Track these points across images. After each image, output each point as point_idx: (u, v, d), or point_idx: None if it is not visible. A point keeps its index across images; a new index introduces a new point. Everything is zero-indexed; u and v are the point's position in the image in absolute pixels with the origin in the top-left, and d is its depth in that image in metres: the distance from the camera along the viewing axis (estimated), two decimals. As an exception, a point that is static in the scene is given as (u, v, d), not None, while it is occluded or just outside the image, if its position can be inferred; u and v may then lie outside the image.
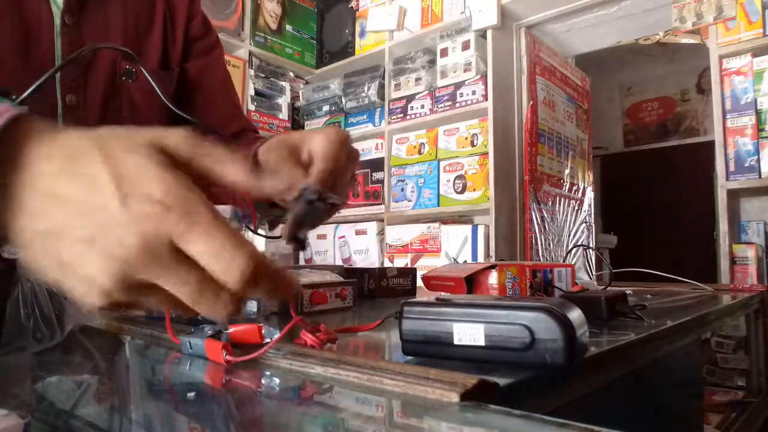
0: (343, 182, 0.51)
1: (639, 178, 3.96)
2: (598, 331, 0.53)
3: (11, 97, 0.44)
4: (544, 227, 2.14)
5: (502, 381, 0.31)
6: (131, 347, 0.51)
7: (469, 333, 0.35)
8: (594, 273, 2.22)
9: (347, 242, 2.49)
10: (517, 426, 0.25)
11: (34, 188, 0.27)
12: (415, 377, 0.30)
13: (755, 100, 1.75)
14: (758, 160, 1.72)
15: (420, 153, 2.31)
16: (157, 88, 0.53)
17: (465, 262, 1.63)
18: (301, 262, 2.57)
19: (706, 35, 1.87)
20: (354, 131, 2.55)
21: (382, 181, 2.41)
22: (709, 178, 2.40)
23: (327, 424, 0.28)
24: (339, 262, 2.48)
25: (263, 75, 2.58)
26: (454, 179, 2.16)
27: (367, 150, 2.49)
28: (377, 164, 2.44)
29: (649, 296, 0.94)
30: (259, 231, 0.51)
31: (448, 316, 0.36)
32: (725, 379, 1.53)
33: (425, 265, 2.10)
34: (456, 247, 2.11)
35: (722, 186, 1.78)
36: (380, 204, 2.41)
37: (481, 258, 2.03)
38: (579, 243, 2.35)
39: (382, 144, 2.44)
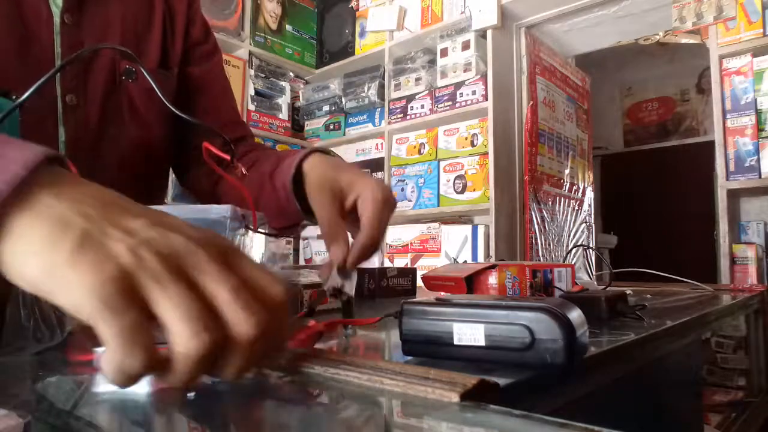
0: (382, 236, 0.53)
1: (639, 178, 3.95)
2: (598, 331, 0.53)
3: (11, 98, 0.44)
4: (544, 227, 2.14)
5: (502, 381, 0.31)
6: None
7: (469, 333, 0.35)
8: (594, 273, 2.22)
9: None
10: (517, 426, 0.25)
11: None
12: (415, 377, 0.30)
13: (755, 100, 1.75)
14: (758, 160, 1.72)
15: (420, 153, 2.30)
16: (156, 88, 0.53)
17: (465, 262, 1.63)
18: (301, 262, 2.57)
19: (706, 35, 1.87)
20: (354, 131, 2.55)
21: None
22: (709, 178, 2.40)
23: (326, 425, 0.28)
24: (339, 262, 2.46)
25: (263, 75, 2.58)
26: (454, 179, 2.16)
27: (367, 150, 2.49)
28: (377, 164, 2.44)
29: (649, 296, 0.94)
30: (260, 230, 0.51)
31: (448, 316, 0.36)
32: (725, 379, 1.53)
33: (425, 265, 2.10)
34: (456, 247, 2.11)
35: (722, 186, 1.78)
36: (380, 204, 2.40)
37: (481, 258, 2.03)
38: (579, 243, 2.35)
39: (382, 144, 2.44)
